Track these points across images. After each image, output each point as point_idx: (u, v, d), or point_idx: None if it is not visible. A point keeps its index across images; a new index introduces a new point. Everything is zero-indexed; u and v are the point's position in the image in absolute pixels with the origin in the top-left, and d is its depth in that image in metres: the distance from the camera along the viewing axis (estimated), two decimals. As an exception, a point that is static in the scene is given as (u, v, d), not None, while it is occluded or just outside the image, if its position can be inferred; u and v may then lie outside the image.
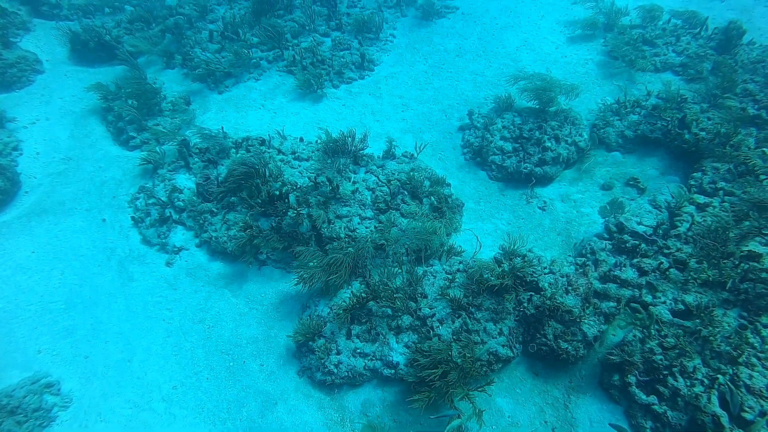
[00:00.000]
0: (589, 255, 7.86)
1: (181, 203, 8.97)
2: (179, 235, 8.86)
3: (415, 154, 9.71)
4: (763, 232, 7.56)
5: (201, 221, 8.80)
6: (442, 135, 10.40)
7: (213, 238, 8.57)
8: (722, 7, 13.14)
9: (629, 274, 7.29)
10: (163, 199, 9.11)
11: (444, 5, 12.95)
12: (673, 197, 8.42)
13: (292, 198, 8.52)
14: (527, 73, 10.79)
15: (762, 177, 8.39)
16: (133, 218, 9.15)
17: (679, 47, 11.40)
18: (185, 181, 9.34)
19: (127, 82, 11.34)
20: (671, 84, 10.78)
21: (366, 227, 8.41)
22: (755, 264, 7.19)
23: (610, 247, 7.86)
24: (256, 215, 8.58)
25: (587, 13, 12.42)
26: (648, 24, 12.05)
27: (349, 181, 9.00)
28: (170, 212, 8.97)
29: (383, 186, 8.80)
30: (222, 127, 10.17)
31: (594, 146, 9.85)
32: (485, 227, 8.93)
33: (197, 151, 9.75)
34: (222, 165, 9.49)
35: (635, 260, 7.48)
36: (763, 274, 7.05)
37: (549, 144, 9.46)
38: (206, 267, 8.54)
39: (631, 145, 9.87)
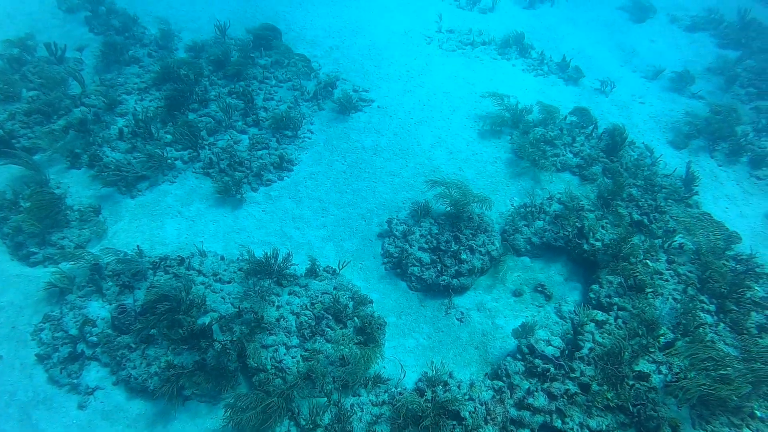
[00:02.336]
0: (504, 378, 8.62)
1: (94, 338, 8.74)
2: (93, 373, 8.62)
3: (338, 270, 10.11)
4: (650, 350, 8.70)
5: (118, 357, 8.63)
6: (362, 242, 10.88)
7: (132, 377, 8.43)
8: (608, 102, 14.85)
9: (541, 401, 8.10)
10: (73, 332, 8.82)
11: (360, 98, 13.55)
12: (576, 314, 9.42)
13: (216, 330, 8.60)
14: (443, 174, 11.64)
15: (647, 290, 9.61)
16: (37, 355, 8.76)
17: (575, 148, 12.73)
18: (98, 310, 9.10)
19: (25, 188, 10.83)
20: (570, 184, 12.01)
21: (292, 357, 8.66)
22: (645, 383, 8.26)
23: (523, 369, 8.67)
24: (179, 349, 8.55)
25: (495, 109, 13.49)
26: (549, 122, 13.30)
27: (273, 306, 9.22)
28: (82, 348, 8.70)
29: (308, 310, 9.11)
30: (138, 246, 9.99)
31: (505, 252, 10.75)
32: (407, 343, 9.48)
33: (110, 273, 9.52)
34: (139, 289, 9.34)
35: (545, 385, 8.32)
36: (651, 394, 8.12)
37: (465, 256, 10.23)
38: (125, 408, 8.37)
39: (538, 251, 10.88)
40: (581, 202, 11.30)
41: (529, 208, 11.39)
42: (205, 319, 8.88)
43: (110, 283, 9.40)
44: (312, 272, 9.84)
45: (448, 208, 10.96)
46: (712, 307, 9.48)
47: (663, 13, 20.31)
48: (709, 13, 20.12)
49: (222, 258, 10.05)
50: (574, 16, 19.32)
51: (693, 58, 18.04)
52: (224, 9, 16.77)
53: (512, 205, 11.73)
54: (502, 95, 13.60)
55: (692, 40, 19.04)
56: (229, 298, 9.33)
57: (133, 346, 8.66)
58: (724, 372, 7.92)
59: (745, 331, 9.04)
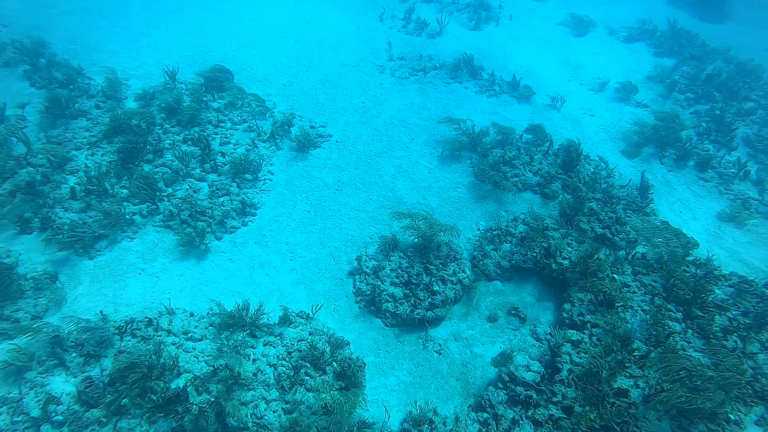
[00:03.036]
0: (488, 409, 8.62)
1: (60, 417, 8.30)
2: (62, 454, 8.16)
3: (311, 314, 9.97)
4: (626, 365, 8.87)
5: (88, 434, 8.21)
6: (333, 283, 10.78)
7: (104, 453, 8.02)
8: (560, 117, 15.30)
9: (527, 430, 8.11)
10: (35, 413, 8.36)
11: (318, 134, 13.53)
12: (552, 336, 9.54)
13: (191, 392, 8.32)
14: (407, 205, 11.70)
15: (617, 305, 9.83)
16: (-1, 441, 8.25)
17: (533, 167, 13.02)
18: (62, 385, 8.67)
19: (-26, 260, 10.29)
20: (533, 203, 12.25)
21: (273, 411, 8.45)
22: (625, 400, 8.40)
23: (506, 398, 8.70)
24: (154, 418, 8.21)
25: (453, 134, 13.68)
26: (506, 143, 13.58)
27: (249, 359, 8.99)
28: (47, 430, 8.24)
29: (285, 360, 8.92)
30: (101, 311, 9.61)
31: (476, 278, 10.83)
32: (388, 382, 9.38)
33: (73, 343, 9.10)
34: (106, 357, 8.96)
35: (530, 412, 8.36)
36: (632, 410, 8.26)
37: (437, 288, 10.25)
38: (100, 487, 7.95)
39: (508, 274, 11.02)
40: (545, 222, 11.52)
41: (496, 232, 11.54)
42: (180, 382, 8.58)
43: (74, 354, 8.98)
44: (285, 320, 9.67)
45: (416, 240, 10.98)
46: (679, 315, 9.77)
47: (601, 26, 21.18)
48: (642, 24, 21.11)
49: (191, 314, 9.77)
50: (519, 34, 19.92)
51: (633, 68, 18.83)
52: (171, 53, 16.53)
53: (479, 229, 11.86)
54: (458, 120, 13.80)
55: (631, 51, 19.89)
56: (203, 357, 9.06)
57: (104, 420, 8.28)
58: (698, 382, 8.13)
59: (711, 336, 9.34)
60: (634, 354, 8.94)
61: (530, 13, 21.75)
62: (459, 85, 16.22)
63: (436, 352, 9.90)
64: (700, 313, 9.67)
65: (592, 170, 13.37)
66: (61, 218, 11.21)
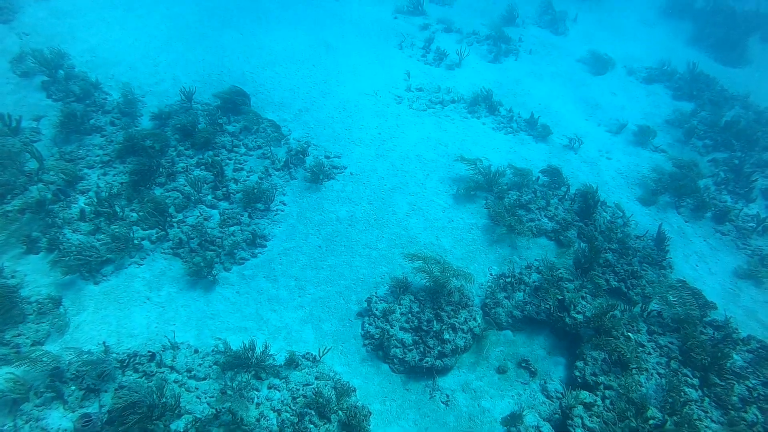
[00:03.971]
0: (496, 472, 8.33)
1: (56, 454, 8.06)
2: (56, 494, 7.92)
3: (318, 357, 9.75)
4: (640, 433, 8.61)
5: (83, 474, 7.95)
6: (341, 323, 10.57)
7: (99, 496, 7.76)
8: (577, 159, 15.13)
9: (534, 499, 7.84)
10: (32, 448, 8.12)
11: (332, 165, 13.39)
12: (563, 395, 9.29)
13: (190, 437, 8.08)
14: (420, 245, 11.53)
15: (632, 366, 9.58)
16: (-7, 475, 8.01)
17: (549, 212, 12.84)
18: (59, 420, 8.46)
19: (-22, 279, 10.14)
20: (547, 250, 12.05)
21: (274, 461, 8.19)
22: (637, 472, 8.12)
23: (515, 461, 8.42)
24: (150, 462, 7.97)
25: (469, 172, 13.52)
26: (522, 185, 13.41)
27: (253, 403, 8.77)
28: (43, 466, 8.01)
29: (289, 407, 8.70)
30: (104, 342, 9.41)
31: (487, 327, 10.61)
32: (394, 433, 9.13)
33: (73, 375, 8.89)
34: (106, 392, 8.74)
35: (539, 479, 8.08)
36: (645, 483, 7.97)
37: (447, 336, 10.04)
38: None
39: (519, 324, 10.80)
40: (559, 272, 11.32)
41: (509, 279, 11.34)
42: (180, 424, 8.36)
43: (73, 388, 8.78)
44: (291, 362, 9.46)
45: (428, 283, 10.79)
46: (695, 381, 9.51)
47: (620, 65, 21.11)
48: (661, 65, 21.03)
49: (196, 351, 9.56)
50: (538, 69, 19.84)
51: (652, 110, 18.71)
52: (189, 71, 16.48)
53: (491, 274, 11.67)
54: (475, 159, 13.66)
55: (649, 92, 19.78)
56: (205, 397, 8.84)
57: (101, 460, 8.03)
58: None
59: (730, 406, 9.07)
60: (649, 422, 8.67)
61: (550, 48, 21.71)
62: (477, 120, 16.10)
63: (443, 402, 9.66)
64: (718, 381, 9.41)
65: (609, 218, 13.18)
66: (69, 240, 11.05)
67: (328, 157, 13.66)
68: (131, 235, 11.18)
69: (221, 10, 19.57)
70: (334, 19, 20.49)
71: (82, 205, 11.65)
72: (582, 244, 12.31)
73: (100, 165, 12.73)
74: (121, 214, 11.55)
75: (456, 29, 21.49)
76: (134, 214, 11.65)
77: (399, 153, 14.29)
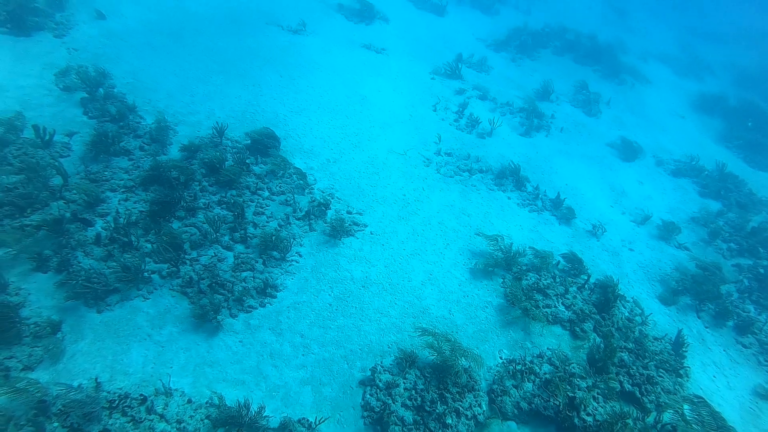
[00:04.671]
0: None
1: (27, 495, 7.61)
2: None
3: (314, 425, 9.34)
4: None
5: None
6: (342, 390, 10.17)
7: None
8: (599, 247, 14.89)
9: None
10: (4, 485, 7.68)
11: (353, 221, 13.26)
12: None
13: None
14: (432, 317, 11.22)
15: (641, 484, 9.02)
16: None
17: (567, 300, 12.51)
18: (38, 458, 8.02)
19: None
20: (561, 340, 11.66)
21: None
22: None
23: None
24: None
25: (489, 248, 13.30)
26: (542, 268, 13.15)
27: (239, 468, 8.30)
28: (11, 507, 7.55)
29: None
30: (96, 378, 9.08)
31: (492, 415, 10.14)
32: None
33: (59, 411, 8.53)
34: (89, 434, 8.34)
35: None
36: None
37: (450, 420, 9.61)
38: None
39: (526, 417, 10.30)
40: (572, 366, 10.91)
41: (519, 366, 10.95)
42: (160, 482, 7.90)
43: (56, 424, 8.42)
44: (285, 428, 9.04)
45: (436, 360, 10.43)
46: None
47: (650, 154, 21.13)
48: (690, 159, 21.03)
49: (189, 401, 9.20)
50: (568, 149, 19.89)
51: (678, 205, 18.56)
52: (224, 105, 16.70)
53: (501, 358, 11.28)
54: (497, 235, 13.48)
55: (677, 186, 19.69)
56: (191, 455, 8.40)
57: None
58: None
59: None
60: None
61: (581, 128, 21.85)
62: (502, 193, 16.02)
63: (437, 494, 9.11)
64: None
65: (627, 314, 12.82)
66: (80, 263, 10.89)
67: (350, 213, 13.55)
68: (142, 266, 11.00)
69: (265, 50, 20.03)
70: (372, 72, 20.88)
71: (99, 228, 11.54)
72: (598, 339, 11.93)
73: (123, 189, 12.70)
74: (136, 243, 11.41)
75: (491, 98, 21.75)
76: (148, 245, 11.51)
77: (421, 218, 14.15)
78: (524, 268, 13.27)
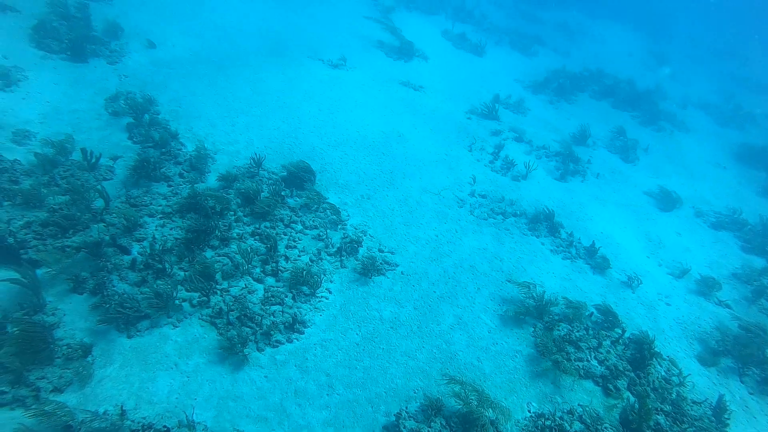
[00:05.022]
0: None
1: None
2: None
3: (335, 471, 9.10)
4: None
5: None
6: (365, 435, 9.94)
7: None
8: (634, 299, 14.47)
9: None
10: None
11: (385, 260, 13.20)
12: None
13: None
14: (459, 364, 10.99)
15: None
16: None
17: (600, 354, 12.12)
18: (59, 485, 8.00)
19: (19, 308, 10.19)
20: (593, 396, 11.25)
21: None
22: None
23: None
24: None
25: (520, 295, 13.05)
26: (574, 319, 12.80)
27: None
28: None
29: None
30: (121, 406, 9.10)
31: (518, 474, 9.77)
32: None
33: (84, 436, 8.54)
34: (111, 463, 8.31)
35: None
36: None
37: (475, 476, 9.23)
38: None
39: (553, 478, 9.86)
40: (605, 427, 10.48)
41: (548, 422, 10.55)
42: None
43: (81, 451, 8.39)
44: (306, 471, 8.84)
45: (463, 410, 10.15)
46: None
47: (689, 205, 20.67)
48: (732, 212, 20.47)
49: (211, 436, 9.10)
50: (604, 195, 19.60)
51: (718, 259, 17.98)
52: (263, 136, 17.05)
53: (530, 411, 10.93)
54: (529, 283, 13.24)
55: (717, 239, 19.13)
56: (209, 493, 8.28)
57: None
58: None
59: None
60: None
61: (617, 176, 21.55)
62: (536, 239, 15.79)
63: None
64: None
65: (663, 374, 12.34)
66: (114, 287, 11.07)
67: (381, 251, 13.52)
68: (174, 294, 11.12)
69: (305, 83, 20.51)
70: (409, 109, 21.11)
71: (135, 253, 11.75)
72: (632, 398, 11.47)
73: (160, 215, 12.96)
74: (169, 270, 11.56)
75: (527, 140, 21.70)
76: (181, 273, 11.64)
77: (453, 260, 14.03)
78: (556, 317, 12.95)
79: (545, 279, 14.49)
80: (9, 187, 12.52)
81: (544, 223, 16.51)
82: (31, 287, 10.60)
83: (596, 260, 15.63)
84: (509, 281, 13.52)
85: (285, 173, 15.06)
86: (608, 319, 13.21)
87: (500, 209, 16.55)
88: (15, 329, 9.74)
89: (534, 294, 13.07)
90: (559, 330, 12.60)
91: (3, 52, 17.03)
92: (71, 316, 10.70)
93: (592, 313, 13.43)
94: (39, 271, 11.21)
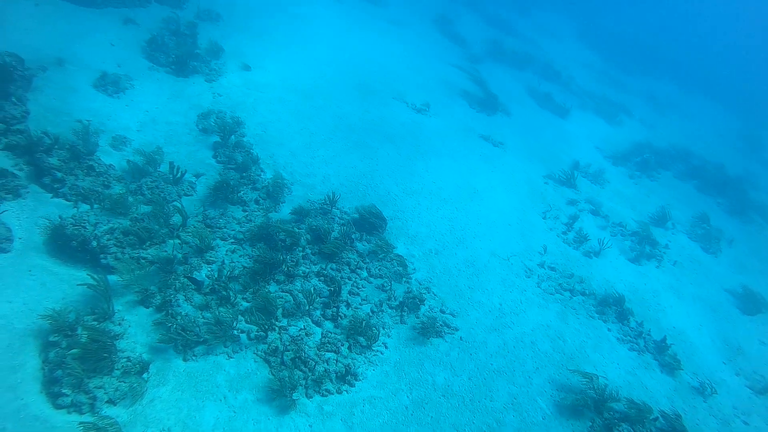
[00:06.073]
0: None
1: None
2: None
3: None
4: None
5: None
6: None
7: None
8: (705, 410, 13.52)
9: None
10: None
11: (445, 322, 12.93)
12: None
13: None
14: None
15: None
16: None
17: (663, 468, 11.22)
18: (98, 504, 8.06)
19: (90, 313, 10.55)
20: None
21: None
22: None
23: None
24: None
25: (581, 384, 12.40)
26: (637, 422, 12.00)
27: None
28: None
29: None
30: (169, 430, 9.16)
31: None
32: None
33: (129, 458, 8.60)
34: (149, 490, 8.30)
35: None
36: None
37: None
38: None
39: None
40: None
41: None
42: None
43: (124, 472, 8.45)
44: None
45: (508, 504, 9.58)
46: None
47: (775, 312, 19.19)
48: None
49: (249, 482, 8.97)
50: (680, 286, 18.59)
51: (807, 379, 16.48)
52: (339, 173, 17.29)
53: None
54: (591, 373, 12.56)
55: (807, 354, 17.59)
56: None
57: None
58: None
59: None
60: None
61: (696, 266, 20.42)
62: (602, 323, 15.07)
63: None
64: None
65: (732, 503, 11.24)
66: (179, 307, 11.30)
67: (443, 312, 13.25)
68: (234, 324, 11.23)
69: (386, 124, 20.79)
70: (487, 165, 20.95)
71: (204, 276, 12.00)
72: None
73: (232, 240, 13.26)
74: (233, 299, 11.72)
75: (603, 214, 21.02)
76: (244, 303, 11.78)
77: (514, 333, 13.55)
78: (617, 416, 12.18)
79: (608, 369, 13.74)
80: (101, 191, 13.17)
81: (613, 307, 15.76)
82: (103, 294, 10.97)
83: (666, 358, 14.71)
84: (572, 371, 12.85)
85: (357, 215, 15.14)
86: (676, 429, 12.28)
87: (569, 285, 15.95)
88: (84, 334, 10.06)
89: (596, 386, 12.37)
90: (618, 430, 11.82)
91: (118, 61, 18.25)
92: (135, 329, 10.97)
93: (658, 418, 12.55)
94: (111, 278, 11.60)
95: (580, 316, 15.13)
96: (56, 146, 13.42)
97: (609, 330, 15.11)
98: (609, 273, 17.67)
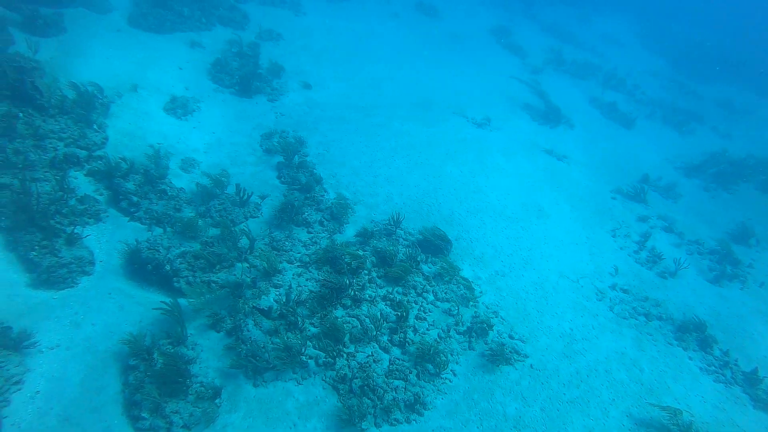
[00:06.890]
0: None
1: None
2: None
3: None
4: None
5: None
6: None
7: None
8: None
9: None
10: None
11: (514, 348, 12.55)
12: None
13: None
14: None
15: None
16: None
17: None
18: None
19: (165, 337, 10.86)
20: None
21: None
22: None
23: None
24: None
25: (663, 419, 11.71)
26: (727, 463, 11.20)
27: None
28: None
29: None
30: (242, 461, 9.25)
31: None
32: None
33: (205, 486, 8.73)
34: None
35: None
36: None
37: None
38: None
39: None
40: None
41: None
42: None
43: (201, 501, 8.58)
44: None
45: None
46: None
47: None
48: None
49: None
50: (768, 311, 17.31)
51: None
52: (402, 192, 17.20)
53: None
54: (675, 410, 11.83)
55: None
56: None
57: None
58: None
59: None
60: None
61: (786, 288, 18.98)
62: (682, 351, 14.23)
63: None
64: None
65: None
66: (249, 331, 11.45)
67: (512, 338, 12.87)
68: (303, 350, 11.28)
69: (447, 140, 20.60)
70: (551, 181, 20.35)
71: (272, 301, 12.14)
72: None
73: (298, 263, 13.37)
74: (301, 324, 11.78)
75: (677, 231, 19.95)
76: (312, 328, 11.81)
77: (587, 361, 12.98)
78: (700, 458, 11.38)
79: (692, 402, 12.92)
80: (173, 214, 13.61)
81: (694, 333, 14.85)
82: (177, 318, 11.27)
83: (758, 392, 13.68)
84: (652, 405, 12.16)
85: (421, 237, 14.97)
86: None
87: (644, 309, 15.18)
88: (160, 359, 10.35)
89: (680, 422, 11.65)
90: (706, 471, 11.05)
91: (186, 83, 18.95)
92: (207, 353, 11.21)
93: (741, 459, 11.67)
94: (182, 301, 11.90)
95: (658, 343, 14.34)
96: (132, 171, 13.97)
97: (690, 359, 14.24)
98: (687, 296, 16.71)
